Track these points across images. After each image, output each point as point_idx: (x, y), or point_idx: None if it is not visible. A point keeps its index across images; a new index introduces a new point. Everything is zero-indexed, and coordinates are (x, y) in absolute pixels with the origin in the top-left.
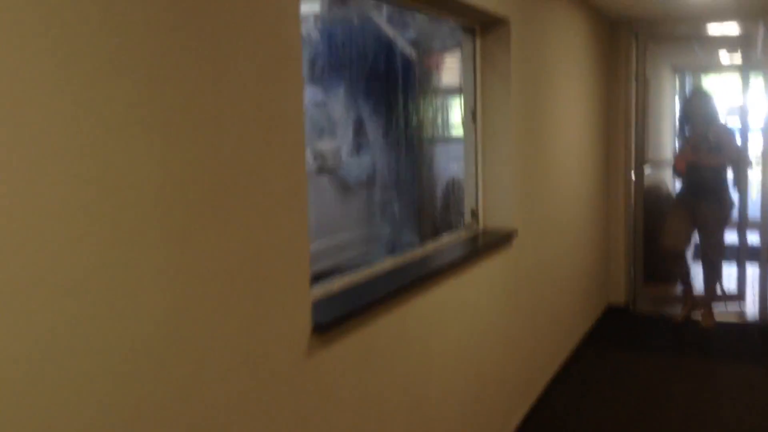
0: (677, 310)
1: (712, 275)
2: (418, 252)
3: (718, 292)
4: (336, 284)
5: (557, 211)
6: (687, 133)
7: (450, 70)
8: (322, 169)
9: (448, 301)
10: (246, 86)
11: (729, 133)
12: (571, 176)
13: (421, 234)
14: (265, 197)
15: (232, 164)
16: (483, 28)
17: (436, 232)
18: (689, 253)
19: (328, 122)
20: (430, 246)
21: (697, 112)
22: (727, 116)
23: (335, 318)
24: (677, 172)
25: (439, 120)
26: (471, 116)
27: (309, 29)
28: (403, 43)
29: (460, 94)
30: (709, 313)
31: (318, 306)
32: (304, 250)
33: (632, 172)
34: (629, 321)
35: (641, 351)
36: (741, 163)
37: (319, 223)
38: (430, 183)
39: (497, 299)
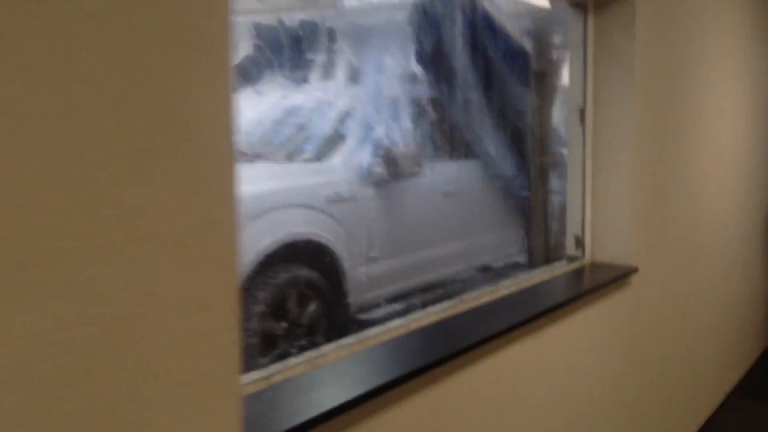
0: None
1: None
2: (496, 289)
3: None
4: (366, 339)
5: (699, 239)
6: None
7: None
8: (392, 176)
9: (528, 364)
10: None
11: None
12: (722, 194)
13: (531, 257)
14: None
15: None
16: (597, 3)
17: (548, 257)
18: None
19: (419, 121)
20: (519, 280)
21: None
22: None
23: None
24: None
25: (556, 123)
26: (578, 116)
27: (404, 18)
28: (517, 34)
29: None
30: None
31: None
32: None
33: None
34: None
35: None
36: None
37: (397, 237)
38: (542, 196)
39: (610, 355)
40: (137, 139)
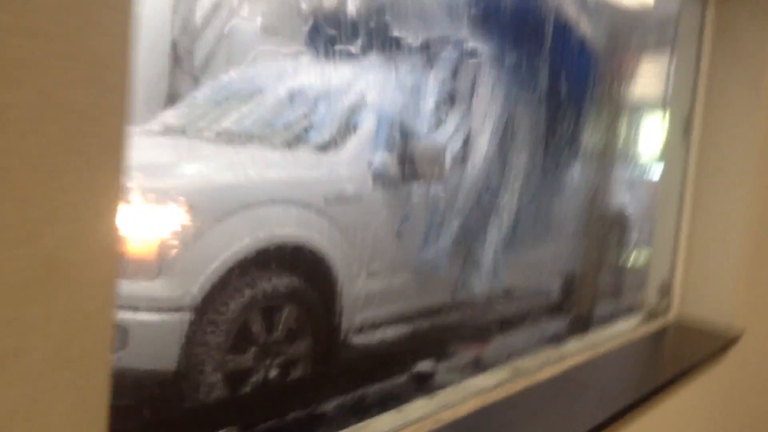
0: None
1: None
2: (558, 358)
3: None
4: None
5: None
6: None
7: (645, 79)
8: (408, 177)
9: None
10: None
11: None
12: None
13: (573, 312)
14: None
15: None
16: None
17: (592, 311)
18: None
19: (452, 116)
20: (588, 343)
21: None
22: None
23: None
24: None
25: (618, 140)
26: (682, 129)
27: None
28: (589, 34)
29: (666, 95)
30: None
31: None
32: None
33: None
34: None
35: None
36: None
37: (407, 250)
38: (596, 228)
39: None
40: None
